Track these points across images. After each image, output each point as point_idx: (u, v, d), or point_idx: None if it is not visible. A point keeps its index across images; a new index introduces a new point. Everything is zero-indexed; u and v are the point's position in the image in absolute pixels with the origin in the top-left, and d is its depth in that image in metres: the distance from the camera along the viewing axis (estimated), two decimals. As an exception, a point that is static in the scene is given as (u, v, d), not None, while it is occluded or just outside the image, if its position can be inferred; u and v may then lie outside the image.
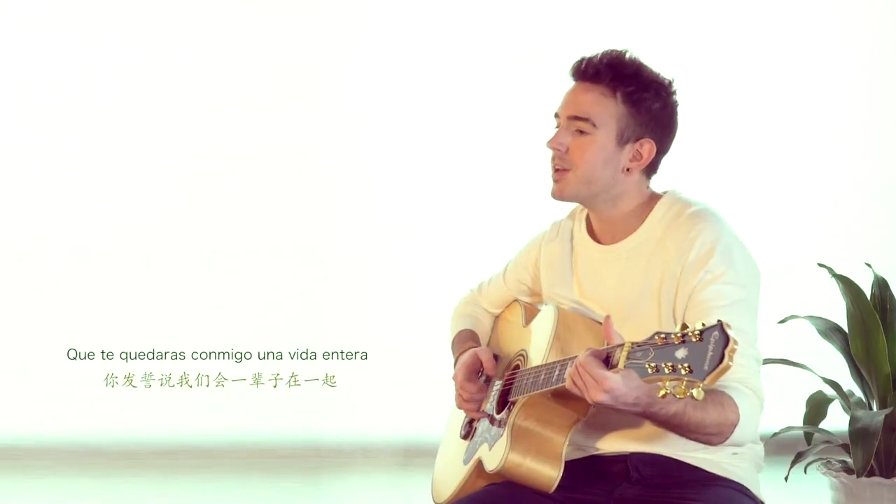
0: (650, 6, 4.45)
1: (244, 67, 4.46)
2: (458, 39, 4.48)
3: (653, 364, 1.88)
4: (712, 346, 1.83)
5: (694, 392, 1.83)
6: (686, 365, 1.84)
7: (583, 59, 2.31)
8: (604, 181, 2.29)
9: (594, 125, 2.27)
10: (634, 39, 4.05)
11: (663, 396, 1.86)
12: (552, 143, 2.31)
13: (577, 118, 2.28)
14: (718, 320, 1.86)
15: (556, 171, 2.31)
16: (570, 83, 2.33)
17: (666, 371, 1.86)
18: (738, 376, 2.13)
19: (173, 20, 4.44)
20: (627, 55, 2.30)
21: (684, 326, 1.89)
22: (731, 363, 1.81)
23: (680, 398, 1.84)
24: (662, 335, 1.90)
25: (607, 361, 1.99)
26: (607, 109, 2.27)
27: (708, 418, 2.08)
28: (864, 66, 4.50)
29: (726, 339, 1.83)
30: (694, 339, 1.86)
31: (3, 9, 4.43)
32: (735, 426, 2.10)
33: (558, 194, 2.32)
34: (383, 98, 4.50)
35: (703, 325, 1.87)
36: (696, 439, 2.13)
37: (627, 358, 1.93)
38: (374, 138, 4.52)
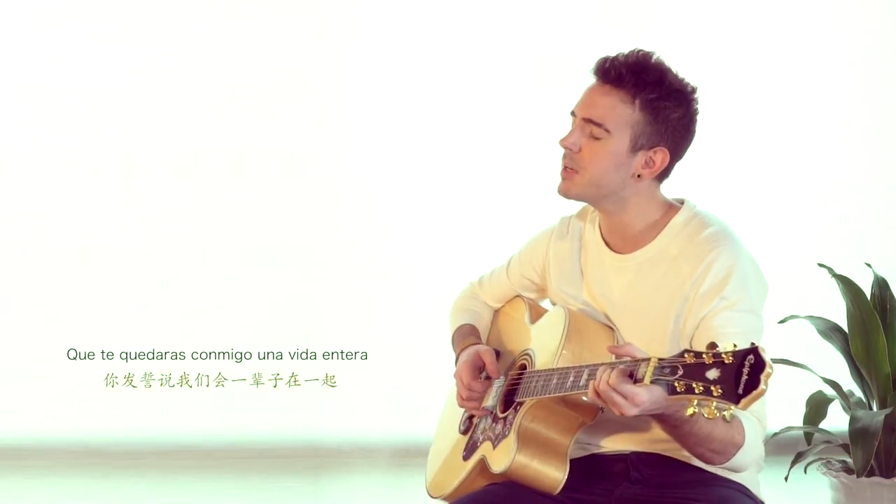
0: (648, 7, 4.45)
1: (244, 68, 4.46)
2: (456, 38, 4.48)
3: (682, 382, 1.87)
4: (747, 369, 1.82)
5: (726, 415, 1.82)
6: (718, 387, 1.83)
7: (607, 59, 2.27)
8: (612, 185, 2.27)
9: (608, 131, 2.24)
10: (632, 40, 4.05)
11: (692, 415, 1.85)
12: (565, 143, 2.28)
13: (591, 122, 2.25)
14: (752, 343, 1.85)
15: (564, 169, 2.29)
16: (592, 80, 2.29)
17: (697, 391, 1.84)
18: None
19: (173, 20, 4.44)
20: (654, 59, 2.26)
21: (713, 346, 1.87)
22: (765, 388, 1.80)
23: (709, 418, 1.83)
24: (693, 353, 1.88)
25: (631, 375, 1.98)
26: (623, 116, 2.24)
27: (716, 432, 2.08)
28: (865, 66, 4.50)
29: (762, 363, 1.81)
30: (727, 361, 1.84)
31: (3, 9, 4.43)
32: (739, 448, 2.11)
33: (564, 193, 2.30)
34: (382, 98, 4.49)
35: (735, 346, 1.85)
36: (699, 454, 2.13)
37: (654, 374, 1.92)
38: (373, 138, 4.52)
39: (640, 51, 2.27)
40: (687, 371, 1.87)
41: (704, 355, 1.86)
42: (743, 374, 1.82)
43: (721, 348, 1.85)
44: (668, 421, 2.06)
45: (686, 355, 1.89)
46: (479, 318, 2.64)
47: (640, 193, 2.30)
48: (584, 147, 2.26)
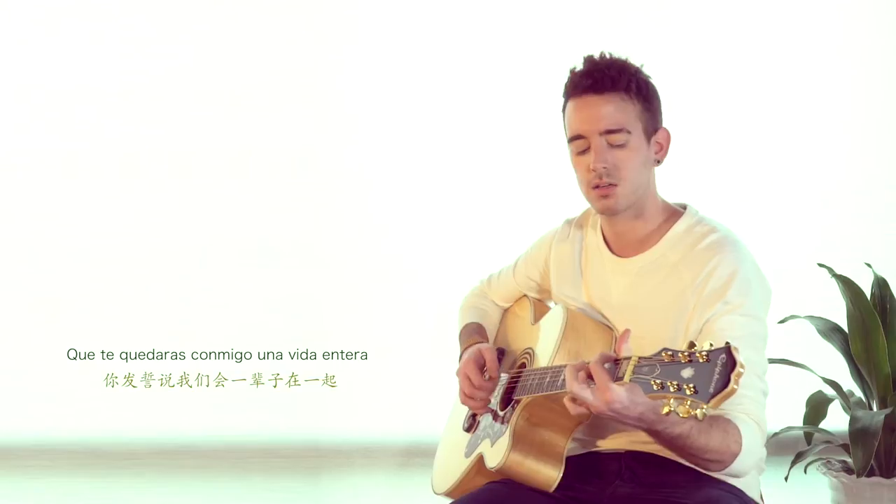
0: (650, 7, 4.45)
1: (243, 67, 4.46)
2: (457, 38, 4.47)
3: (658, 381, 1.87)
4: (719, 368, 1.82)
5: (697, 413, 1.82)
6: (691, 385, 1.83)
7: (590, 72, 2.27)
8: (644, 182, 2.30)
9: (628, 132, 2.26)
10: (633, 39, 4.06)
11: (667, 414, 1.85)
12: (597, 164, 2.26)
13: (611, 131, 2.26)
14: (726, 343, 1.85)
15: (600, 188, 2.27)
16: (575, 100, 2.29)
17: (671, 389, 1.85)
18: (745, 407, 2.14)
19: (173, 20, 4.44)
20: (612, 55, 2.30)
21: (692, 345, 1.87)
22: (736, 387, 1.80)
23: (683, 417, 1.83)
24: (670, 352, 1.89)
25: (615, 372, 1.99)
26: (632, 112, 2.27)
27: (711, 443, 2.08)
28: (864, 65, 4.50)
29: (733, 362, 1.82)
30: (701, 360, 1.85)
31: (3, 9, 4.43)
32: (736, 456, 2.11)
33: (613, 209, 2.29)
34: (383, 97, 4.50)
35: (711, 345, 1.86)
36: (695, 463, 2.13)
37: (633, 372, 1.93)
38: (373, 138, 4.52)
39: (601, 54, 2.30)
40: (663, 370, 1.88)
41: (681, 354, 1.87)
42: (715, 373, 1.82)
43: (697, 347, 1.86)
44: (661, 437, 2.07)
45: (664, 354, 1.89)
46: (486, 317, 2.66)
47: (654, 192, 2.33)
48: (615, 160, 2.27)
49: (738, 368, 1.81)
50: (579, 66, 2.30)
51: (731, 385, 1.80)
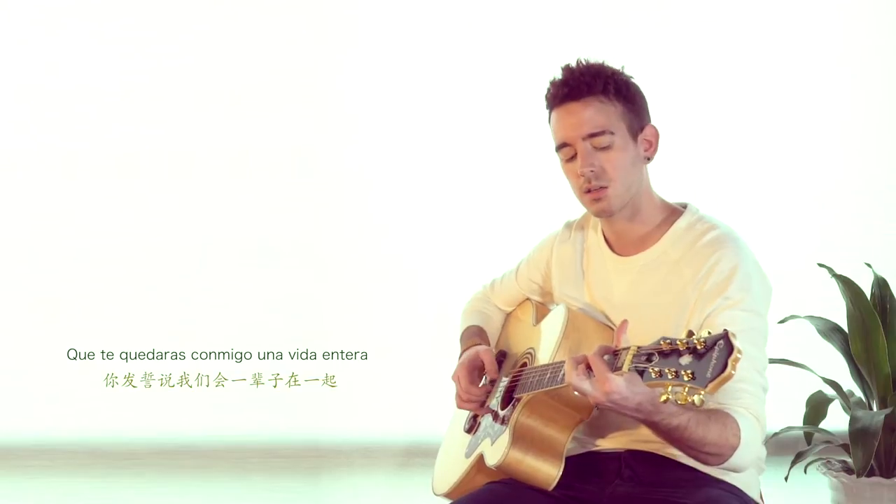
0: (651, 8, 4.45)
1: (243, 67, 4.46)
2: (458, 38, 4.48)
3: (657, 369, 1.89)
4: (716, 354, 1.83)
5: (695, 399, 1.83)
6: (689, 371, 1.85)
7: (565, 81, 2.29)
8: (636, 180, 2.30)
9: (612, 133, 2.27)
10: (635, 40, 4.06)
11: (664, 402, 1.86)
12: (584, 169, 2.27)
13: (593, 135, 2.27)
14: (724, 329, 1.86)
15: (592, 192, 2.28)
16: (557, 109, 2.30)
17: (669, 376, 1.86)
18: (743, 402, 2.15)
19: (173, 20, 4.44)
20: (588, 61, 2.31)
21: (690, 334, 1.88)
22: (733, 372, 1.81)
23: (681, 404, 1.84)
24: (668, 341, 1.90)
25: (614, 362, 1.99)
26: (613, 113, 2.28)
27: (709, 436, 2.08)
28: (865, 66, 4.50)
29: (731, 348, 1.83)
30: (699, 347, 1.86)
31: (3, 9, 4.43)
32: (735, 450, 2.11)
33: (608, 212, 2.30)
34: (383, 97, 4.50)
35: (709, 333, 1.87)
36: (694, 456, 2.14)
37: (632, 361, 1.94)
38: (373, 138, 4.52)
39: (577, 61, 2.31)
40: (662, 358, 1.90)
41: (679, 342, 1.89)
42: (712, 359, 1.83)
43: (696, 335, 1.87)
44: (658, 428, 2.07)
45: (662, 342, 1.91)
46: (488, 321, 2.67)
47: (648, 190, 2.33)
48: (602, 163, 2.27)
49: (735, 353, 1.82)
50: (557, 77, 2.32)
51: (729, 370, 1.81)
